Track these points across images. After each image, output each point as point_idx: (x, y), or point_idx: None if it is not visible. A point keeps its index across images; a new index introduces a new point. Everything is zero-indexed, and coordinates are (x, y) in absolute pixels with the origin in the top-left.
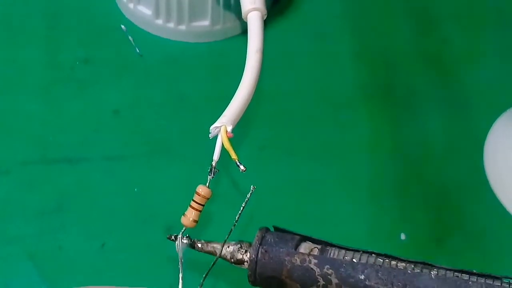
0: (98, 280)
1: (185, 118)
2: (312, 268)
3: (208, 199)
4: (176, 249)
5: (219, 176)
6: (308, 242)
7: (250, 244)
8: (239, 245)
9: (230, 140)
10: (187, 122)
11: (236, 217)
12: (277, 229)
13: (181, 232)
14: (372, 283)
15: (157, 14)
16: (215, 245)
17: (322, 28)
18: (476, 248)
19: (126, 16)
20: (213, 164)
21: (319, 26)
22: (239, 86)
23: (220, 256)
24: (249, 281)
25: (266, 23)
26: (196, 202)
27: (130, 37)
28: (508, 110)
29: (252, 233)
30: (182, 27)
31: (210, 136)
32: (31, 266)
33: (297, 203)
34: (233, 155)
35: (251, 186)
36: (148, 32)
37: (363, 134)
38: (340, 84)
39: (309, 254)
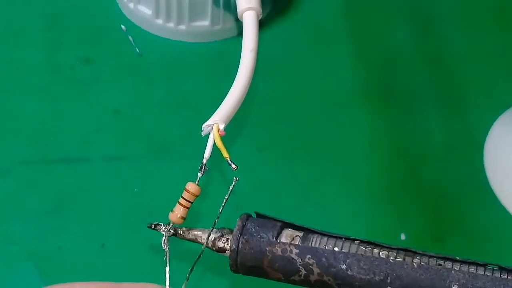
0: (98, 280)
1: (185, 118)
2: (293, 258)
3: (197, 196)
4: (162, 244)
5: (212, 174)
6: (289, 229)
7: (231, 231)
8: (220, 233)
9: (222, 138)
10: (187, 122)
11: (220, 209)
12: (259, 215)
13: (165, 225)
14: (354, 273)
15: (157, 14)
16: (196, 232)
17: (322, 28)
18: (476, 248)
19: (126, 16)
20: (204, 162)
21: (319, 26)
22: (232, 85)
23: (204, 245)
24: (231, 269)
25: (266, 23)
26: (185, 199)
27: (130, 37)
28: (508, 110)
29: None
30: (182, 27)
31: (202, 134)
32: (31, 266)
33: (296, 203)
34: (225, 154)
35: (234, 177)
36: (148, 32)
37: (362, 134)
38: (340, 84)
39: (290, 244)
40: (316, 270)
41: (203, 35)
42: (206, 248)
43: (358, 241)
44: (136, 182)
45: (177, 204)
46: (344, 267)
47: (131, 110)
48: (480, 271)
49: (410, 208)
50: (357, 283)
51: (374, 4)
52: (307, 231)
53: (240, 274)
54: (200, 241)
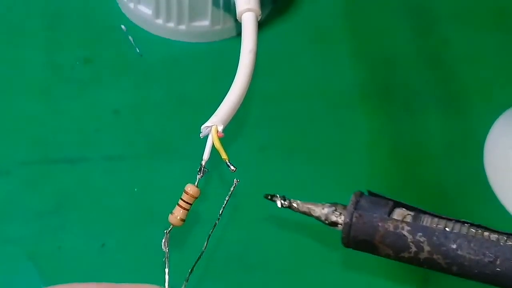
0: (98, 280)
1: (185, 118)
2: (404, 235)
3: (196, 198)
4: (162, 245)
5: (211, 175)
6: (401, 208)
7: (344, 207)
8: (333, 208)
9: (223, 141)
10: (187, 122)
11: (220, 210)
12: (371, 193)
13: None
14: (464, 253)
15: (157, 13)
16: (310, 206)
17: (321, 28)
18: None
19: (126, 16)
20: (203, 164)
21: (319, 26)
22: (231, 87)
23: (315, 217)
24: (342, 243)
25: (266, 23)
26: (184, 201)
27: (130, 37)
28: (508, 110)
29: (252, 233)
30: (182, 27)
31: (200, 135)
32: (31, 266)
33: None
34: (224, 155)
35: (235, 179)
36: (148, 32)
37: (362, 134)
38: (340, 84)
39: (402, 221)
40: (426, 248)
41: (203, 35)
42: (319, 221)
43: (468, 223)
44: (136, 182)
45: (177, 206)
46: (454, 246)
47: (131, 110)
48: None
49: None
50: (466, 263)
51: (374, 4)
52: (418, 211)
53: (349, 249)
54: (314, 214)
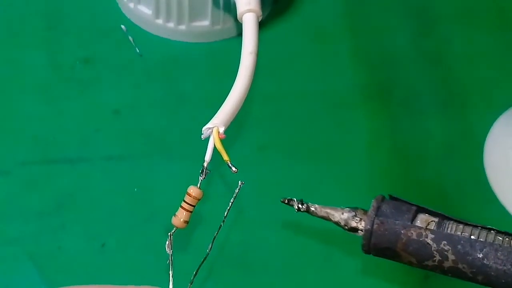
0: (98, 280)
1: (185, 118)
2: (428, 243)
3: (199, 200)
4: (166, 248)
5: (213, 177)
6: (425, 214)
7: (364, 212)
8: (353, 213)
9: (223, 141)
10: (187, 122)
11: (226, 212)
12: (392, 198)
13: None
14: (490, 263)
15: (157, 14)
16: (329, 210)
17: (321, 28)
18: None
19: (126, 16)
20: (205, 165)
21: (319, 27)
22: (232, 88)
23: (334, 222)
24: (362, 250)
25: (266, 23)
26: (187, 203)
27: (130, 37)
28: (508, 110)
29: (252, 234)
30: (182, 27)
31: (202, 137)
32: (31, 266)
33: None
34: (225, 157)
35: (240, 181)
36: (148, 32)
37: (362, 134)
38: (340, 84)
39: (425, 228)
40: (451, 256)
41: (203, 35)
42: (338, 226)
43: (495, 231)
44: (136, 182)
45: (180, 208)
46: (480, 256)
47: (131, 110)
48: None
49: None
50: (492, 273)
51: (374, 4)
52: (442, 217)
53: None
54: (333, 219)
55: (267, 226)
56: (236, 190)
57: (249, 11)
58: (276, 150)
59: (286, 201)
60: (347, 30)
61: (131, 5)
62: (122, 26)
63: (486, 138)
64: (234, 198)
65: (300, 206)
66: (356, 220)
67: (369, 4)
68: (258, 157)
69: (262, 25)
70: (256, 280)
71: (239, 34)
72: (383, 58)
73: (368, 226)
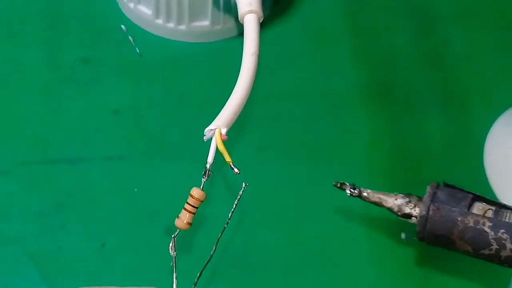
0: (98, 280)
1: (185, 118)
2: (485, 231)
3: (202, 201)
4: (169, 250)
5: (215, 177)
6: (481, 202)
7: (418, 198)
8: (407, 199)
9: (225, 142)
10: (187, 122)
11: (230, 214)
12: (447, 185)
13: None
14: None
15: (157, 14)
16: (382, 196)
17: (321, 28)
18: None
19: (126, 16)
20: (207, 167)
21: (319, 27)
22: (234, 89)
23: (387, 208)
24: (416, 237)
25: (266, 23)
26: (190, 205)
27: (130, 37)
28: (508, 110)
29: (253, 233)
30: (182, 27)
31: (204, 138)
32: (31, 266)
33: (296, 203)
34: (227, 158)
35: (243, 183)
36: (148, 32)
37: (363, 134)
38: (340, 84)
39: (483, 216)
40: (509, 245)
41: (203, 35)
42: (391, 212)
43: None
44: (136, 182)
45: (183, 210)
46: None
47: (131, 110)
48: None
49: None
50: None
51: (374, 4)
52: (499, 206)
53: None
54: (386, 205)
55: (268, 226)
56: (240, 192)
57: (251, 12)
58: (276, 150)
59: (339, 185)
60: (347, 30)
61: (131, 5)
62: (122, 26)
63: (486, 138)
64: (238, 200)
65: (352, 190)
66: (410, 206)
67: (369, 4)
68: (258, 157)
69: (262, 25)
70: (259, 281)
71: (240, 34)
72: (383, 58)
73: (424, 212)
